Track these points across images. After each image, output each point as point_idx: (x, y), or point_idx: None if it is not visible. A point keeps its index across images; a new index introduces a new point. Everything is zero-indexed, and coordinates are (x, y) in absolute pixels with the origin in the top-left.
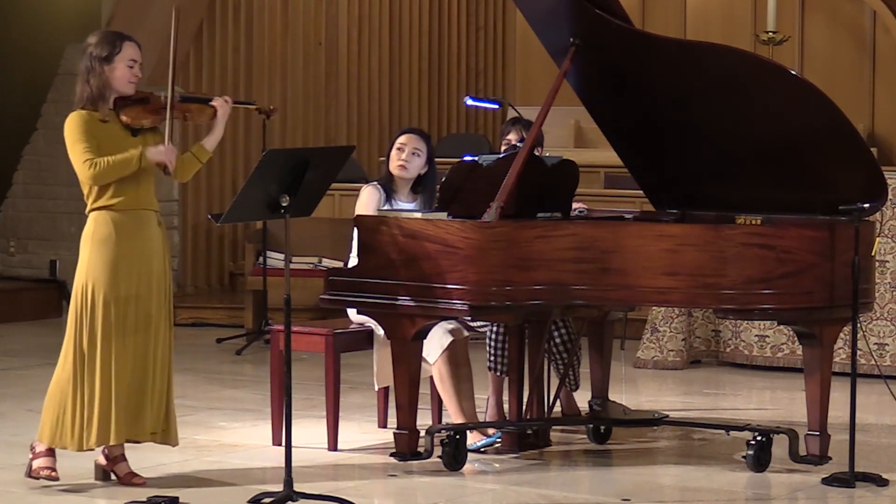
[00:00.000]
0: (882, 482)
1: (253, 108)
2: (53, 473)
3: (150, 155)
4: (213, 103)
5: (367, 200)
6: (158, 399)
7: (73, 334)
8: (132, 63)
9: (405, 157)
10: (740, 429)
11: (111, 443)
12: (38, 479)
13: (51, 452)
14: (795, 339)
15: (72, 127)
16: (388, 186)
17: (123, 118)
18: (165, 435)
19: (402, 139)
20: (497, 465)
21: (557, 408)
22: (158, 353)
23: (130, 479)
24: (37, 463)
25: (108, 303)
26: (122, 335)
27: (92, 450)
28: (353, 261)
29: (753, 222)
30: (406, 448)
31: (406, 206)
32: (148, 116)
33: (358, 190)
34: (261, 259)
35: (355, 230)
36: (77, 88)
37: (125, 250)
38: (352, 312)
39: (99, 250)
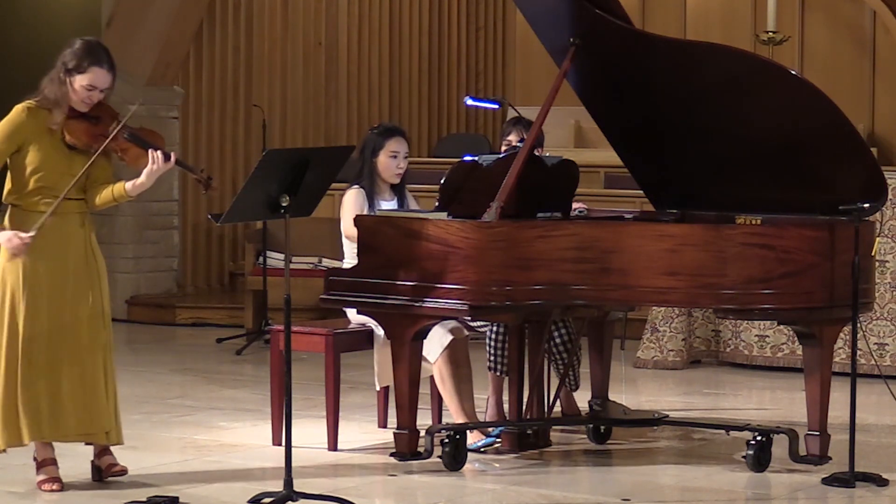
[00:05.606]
0: (882, 482)
1: (194, 177)
2: (55, 486)
3: None
4: (151, 154)
5: (355, 205)
6: (91, 397)
7: None
8: (91, 87)
9: (402, 164)
10: (740, 429)
11: (24, 443)
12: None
13: (51, 462)
14: (795, 339)
15: (6, 119)
16: (372, 189)
17: (66, 133)
18: (116, 434)
19: (394, 145)
20: (497, 465)
21: (557, 408)
22: (81, 355)
23: (111, 471)
24: (39, 476)
25: (17, 305)
26: (32, 338)
27: (4, 451)
28: (347, 264)
29: (753, 222)
30: (406, 448)
31: (388, 205)
32: (83, 138)
33: None
34: (261, 259)
35: (346, 233)
36: (43, 81)
37: (38, 251)
38: (352, 312)
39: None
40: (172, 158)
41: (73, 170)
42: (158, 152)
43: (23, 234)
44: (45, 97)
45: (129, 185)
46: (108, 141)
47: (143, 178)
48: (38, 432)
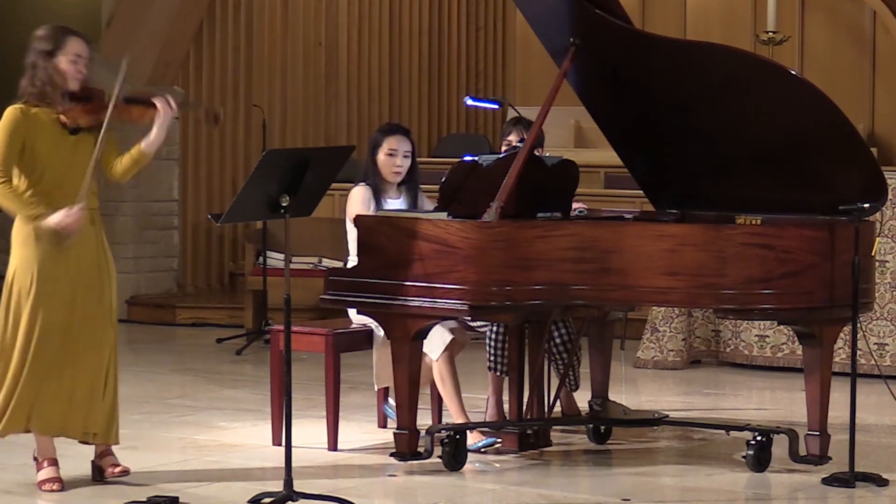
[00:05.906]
0: (882, 482)
1: (200, 111)
2: (55, 486)
3: (47, 223)
4: (155, 101)
5: (360, 200)
6: (88, 396)
7: None
8: (76, 58)
9: (399, 163)
10: (740, 429)
11: None
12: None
13: (52, 462)
14: (795, 339)
15: (2, 125)
16: (377, 187)
17: (62, 117)
18: (107, 435)
19: (392, 143)
20: (497, 465)
21: (557, 408)
22: (87, 353)
23: (113, 472)
24: (39, 476)
25: (31, 304)
26: (45, 334)
27: None
28: (352, 261)
29: (753, 222)
30: (406, 448)
31: (394, 203)
32: (84, 116)
33: None
34: (261, 259)
35: (352, 231)
36: (22, 82)
37: (51, 252)
38: (352, 312)
39: (24, 251)
40: (174, 104)
41: (79, 155)
42: (163, 99)
43: (57, 217)
44: (30, 94)
45: (143, 144)
46: (111, 108)
47: (154, 132)
48: (14, 427)
